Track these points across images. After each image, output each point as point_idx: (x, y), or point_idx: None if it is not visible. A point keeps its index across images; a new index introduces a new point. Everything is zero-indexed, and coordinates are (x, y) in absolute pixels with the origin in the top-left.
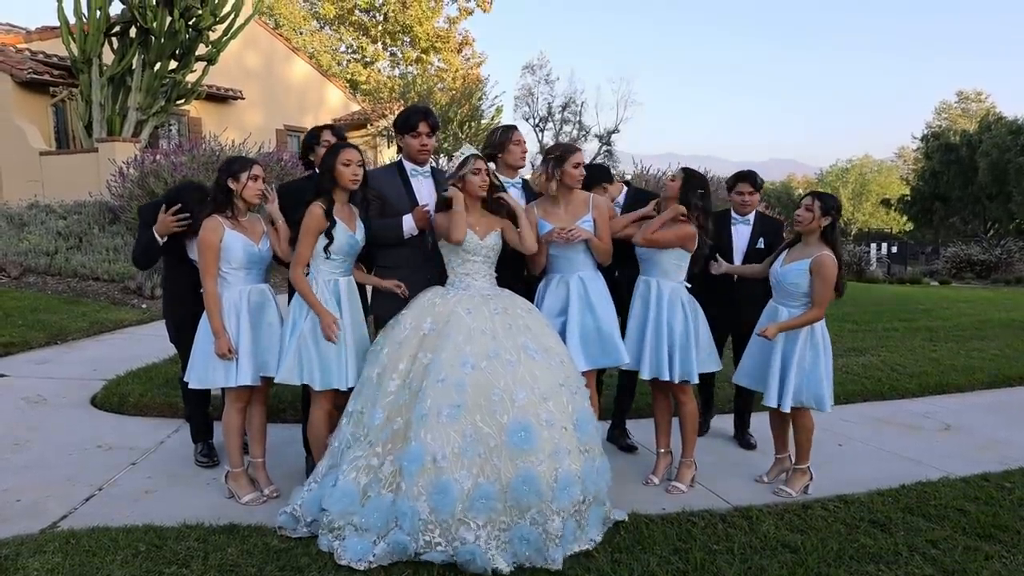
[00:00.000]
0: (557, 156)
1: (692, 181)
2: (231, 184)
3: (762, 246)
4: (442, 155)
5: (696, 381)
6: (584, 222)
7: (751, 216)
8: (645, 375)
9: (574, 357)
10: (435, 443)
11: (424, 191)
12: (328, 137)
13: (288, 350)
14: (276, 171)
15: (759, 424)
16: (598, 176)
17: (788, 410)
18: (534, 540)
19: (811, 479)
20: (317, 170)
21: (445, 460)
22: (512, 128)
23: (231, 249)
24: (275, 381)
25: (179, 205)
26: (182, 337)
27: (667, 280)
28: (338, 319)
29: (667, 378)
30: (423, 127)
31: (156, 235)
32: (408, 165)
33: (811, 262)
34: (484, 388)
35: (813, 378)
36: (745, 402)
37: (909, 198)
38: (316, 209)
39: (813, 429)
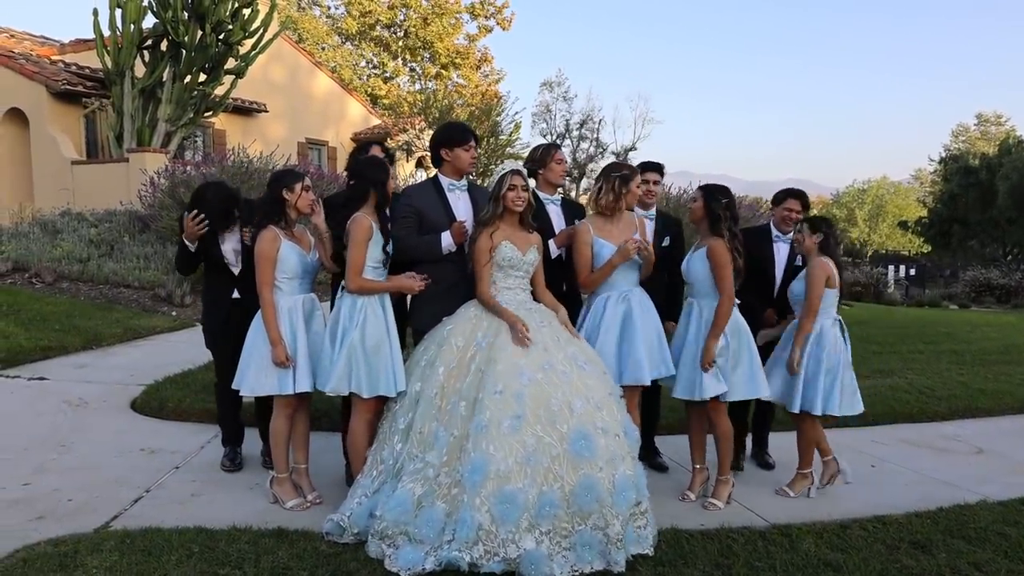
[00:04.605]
0: (623, 175)
1: (713, 193)
2: (286, 195)
3: (801, 263)
4: None
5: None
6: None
7: (793, 234)
8: (680, 395)
9: (643, 369)
10: (498, 454)
11: (460, 205)
12: (376, 152)
13: (338, 360)
14: None
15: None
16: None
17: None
18: (596, 544)
19: (812, 483)
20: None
21: (508, 471)
22: (554, 146)
23: (287, 259)
24: (326, 391)
25: (196, 210)
26: (217, 343)
27: (704, 299)
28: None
29: (698, 397)
30: (473, 141)
31: (187, 243)
32: (445, 180)
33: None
34: (543, 399)
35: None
36: (763, 421)
37: (927, 220)
38: (365, 220)
39: (816, 437)
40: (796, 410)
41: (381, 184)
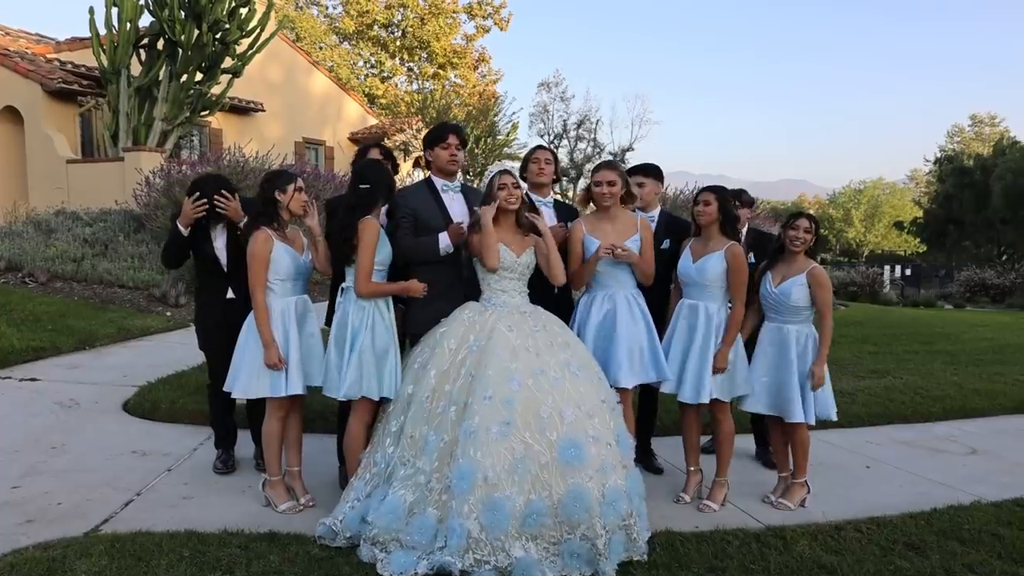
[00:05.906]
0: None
1: (727, 196)
2: (279, 196)
3: (753, 261)
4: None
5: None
6: (632, 241)
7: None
8: (688, 399)
9: (622, 372)
10: (485, 461)
11: (456, 207)
12: (376, 154)
13: (349, 365)
14: None
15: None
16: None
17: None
18: (584, 554)
19: (808, 492)
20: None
21: (496, 478)
22: (535, 148)
23: (280, 261)
24: (339, 397)
25: (198, 193)
26: (211, 343)
27: (713, 303)
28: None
29: (713, 398)
30: (452, 139)
31: (180, 227)
32: (439, 181)
33: (807, 274)
34: (533, 405)
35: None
36: (762, 420)
37: (922, 221)
38: (374, 224)
39: (809, 443)
40: (800, 420)
41: (389, 189)
